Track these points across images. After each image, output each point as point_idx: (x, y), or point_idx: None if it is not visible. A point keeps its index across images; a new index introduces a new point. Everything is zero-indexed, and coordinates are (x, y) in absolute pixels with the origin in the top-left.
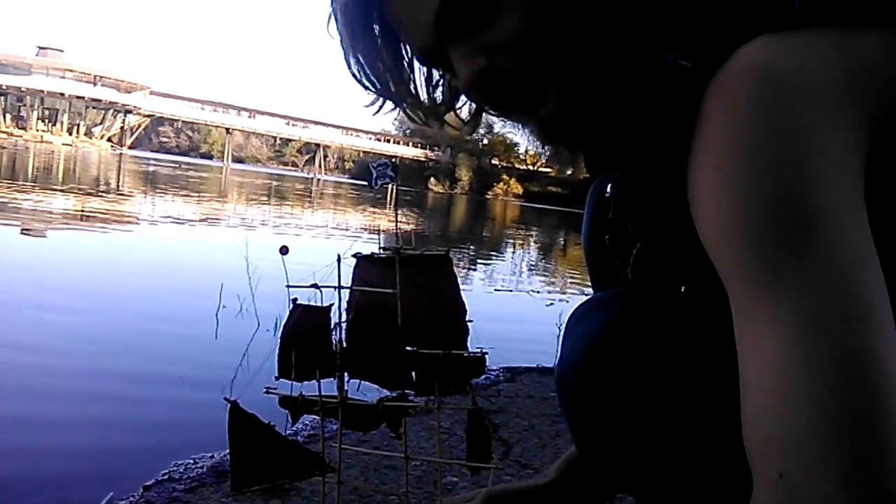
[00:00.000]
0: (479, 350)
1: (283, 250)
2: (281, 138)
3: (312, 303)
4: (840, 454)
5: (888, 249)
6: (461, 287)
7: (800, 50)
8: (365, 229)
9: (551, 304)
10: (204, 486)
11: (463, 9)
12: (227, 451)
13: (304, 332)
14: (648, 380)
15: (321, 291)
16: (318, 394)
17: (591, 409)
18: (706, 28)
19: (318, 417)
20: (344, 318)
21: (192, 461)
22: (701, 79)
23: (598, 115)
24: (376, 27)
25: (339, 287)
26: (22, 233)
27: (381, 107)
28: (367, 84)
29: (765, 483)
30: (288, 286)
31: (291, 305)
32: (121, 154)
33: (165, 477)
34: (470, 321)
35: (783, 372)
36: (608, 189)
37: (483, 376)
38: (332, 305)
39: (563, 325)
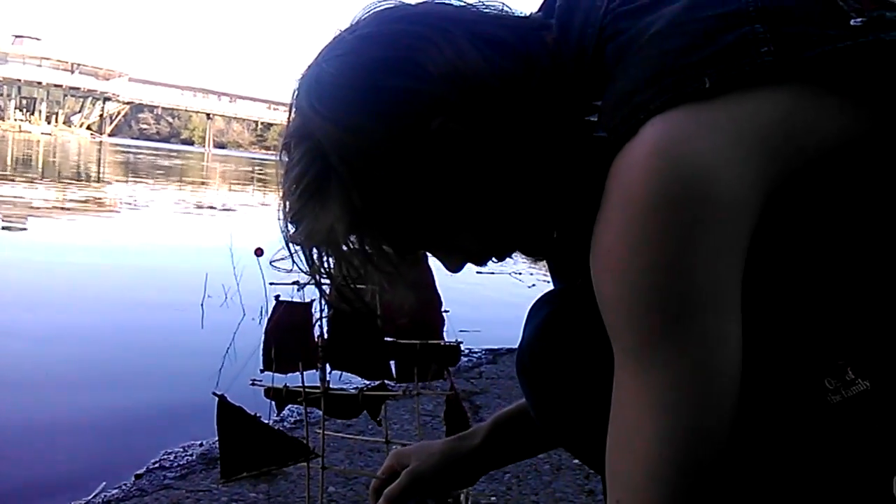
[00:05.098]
0: (454, 339)
1: (259, 252)
2: (262, 122)
3: (295, 299)
4: None
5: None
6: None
7: (698, 130)
8: None
9: (533, 285)
10: (194, 473)
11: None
12: (216, 439)
13: (286, 328)
14: (584, 360)
15: (303, 288)
16: (301, 385)
17: (543, 387)
18: (620, 94)
19: (302, 406)
20: (325, 312)
21: (181, 449)
22: (610, 154)
23: (555, 243)
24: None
25: (320, 283)
26: (3, 228)
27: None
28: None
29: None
30: (270, 283)
31: (274, 302)
32: (101, 142)
33: (156, 465)
34: (446, 311)
35: (636, 430)
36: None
37: (465, 358)
38: (313, 301)
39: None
